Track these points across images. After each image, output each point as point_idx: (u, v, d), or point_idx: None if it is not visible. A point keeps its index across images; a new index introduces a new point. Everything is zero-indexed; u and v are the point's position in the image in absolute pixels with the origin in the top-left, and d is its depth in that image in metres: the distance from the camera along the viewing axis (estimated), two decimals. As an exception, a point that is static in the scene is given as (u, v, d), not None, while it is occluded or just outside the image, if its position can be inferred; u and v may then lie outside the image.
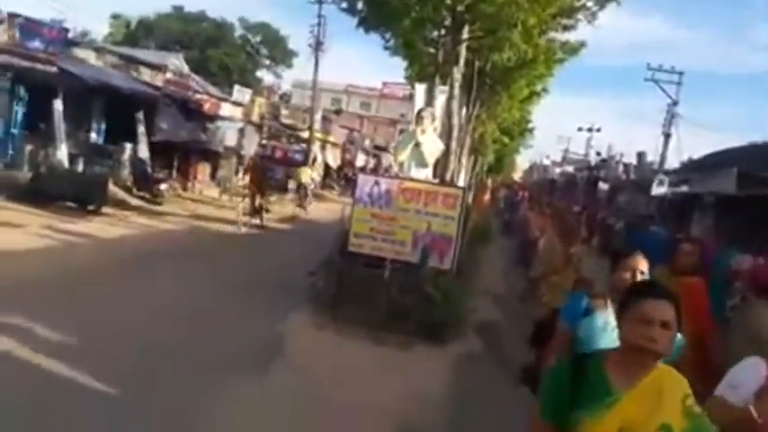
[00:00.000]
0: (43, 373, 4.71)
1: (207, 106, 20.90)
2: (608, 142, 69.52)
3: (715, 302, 5.86)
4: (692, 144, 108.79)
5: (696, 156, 30.27)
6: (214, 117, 21.34)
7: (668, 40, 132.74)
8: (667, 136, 29.90)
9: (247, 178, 14.85)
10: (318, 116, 32.78)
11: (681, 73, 30.05)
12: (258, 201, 14.76)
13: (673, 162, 30.95)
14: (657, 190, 26.67)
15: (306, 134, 31.00)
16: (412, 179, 7.79)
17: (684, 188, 25.00)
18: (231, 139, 22.37)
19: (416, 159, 8.10)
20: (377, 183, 7.62)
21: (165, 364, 5.28)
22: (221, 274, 9.25)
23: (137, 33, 45.35)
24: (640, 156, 37.04)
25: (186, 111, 19.53)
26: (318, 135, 32.18)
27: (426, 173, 8.26)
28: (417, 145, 8.02)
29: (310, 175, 21.68)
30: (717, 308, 6.38)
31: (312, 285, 8.12)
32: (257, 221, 14.84)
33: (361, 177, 7.88)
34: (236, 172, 23.74)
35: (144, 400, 4.49)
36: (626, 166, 41.29)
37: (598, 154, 47.42)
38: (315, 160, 31.13)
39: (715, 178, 21.55)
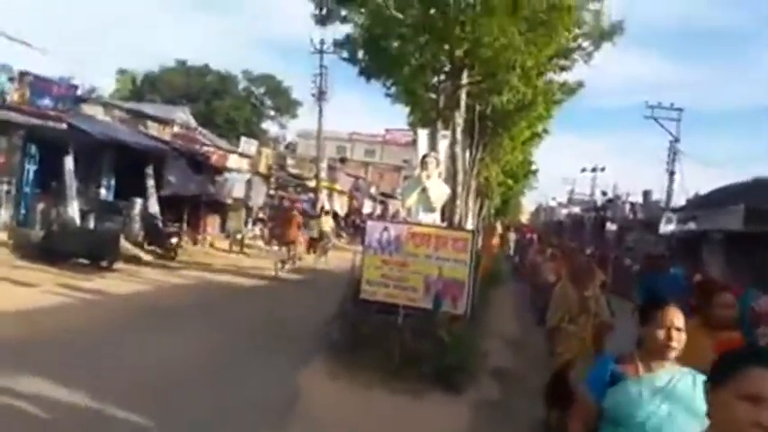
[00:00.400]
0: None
1: (214, 159, 21.23)
2: (613, 182, 69.60)
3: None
4: (696, 180, 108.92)
5: (702, 192, 30.33)
6: (222, 169, 21.65)
7: (666, 78, 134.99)
8: (671, 173, 30.03)
9: (266, 230, 15.61)
10: (324, 165, 33.20)
11: (680, 110, 30.49)
12: (292, 251, 15.26)
13: (679, 199, 30.96)
14: (665, 228, 26.62)
15: (312, 183, 31.34)
16: (420, 224, 7.84)
17: (692, 225, 24.93)
18: (239, 191, 22.62)
19: (423, 204, 8.16)
20: (386, 229, 7.66)
21: (178, 420, 5.23)
22: (236, 326, 9.23)
23: (142, 88, 46.36)
24: (646, 194, 37.12)
25: (194, 164, 19.84)
26: (325, 183, 32.52)
27: (434, 217, 8.30)
28: (424, 190, 8.09)
29: (330, 224, 21.76)
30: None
31: (327, 335, 8.09)
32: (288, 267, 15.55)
33: (370, 224, 7.93)
34: (246, 223, 23.97)
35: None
36: (632, 205, 41.30)
37: (604, 194, 47.47)
38: (323, 209, 31.41)
39: (722, 215, 21.54)
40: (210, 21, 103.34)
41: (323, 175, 31.96)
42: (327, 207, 32.53)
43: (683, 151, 30.13)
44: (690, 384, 2.31)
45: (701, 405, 1.64)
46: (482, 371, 7.55)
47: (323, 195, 31.55)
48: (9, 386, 5.37)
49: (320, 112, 31.19)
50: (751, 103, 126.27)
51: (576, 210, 56.28)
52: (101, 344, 7.28)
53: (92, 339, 7.41)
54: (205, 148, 21.75)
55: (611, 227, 39.16)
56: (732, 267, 18.60)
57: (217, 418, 5.36)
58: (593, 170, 51.80)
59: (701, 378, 1.95)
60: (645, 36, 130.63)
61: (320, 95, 31.01)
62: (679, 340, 2.41)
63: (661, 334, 2.42)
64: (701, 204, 26.77)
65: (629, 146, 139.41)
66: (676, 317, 2.46)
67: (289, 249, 16.16)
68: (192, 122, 27.74)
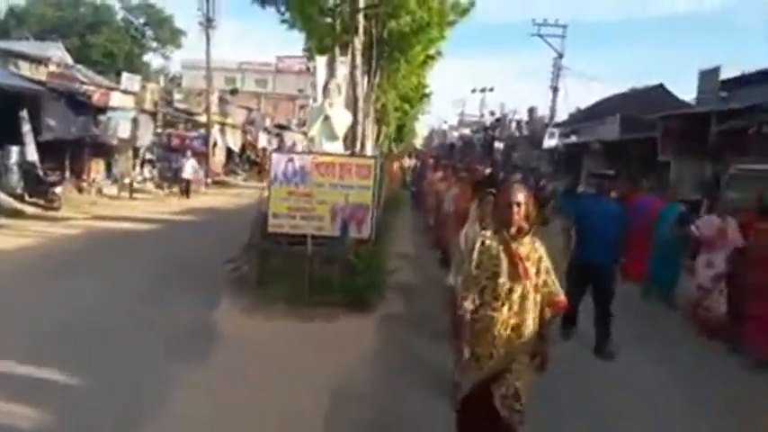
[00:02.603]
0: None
1: (96, 98, 19.66)
2: (501, 101, 72.11)
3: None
4: (580, 96, 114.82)
5: (583, 106, 32.21)
6: (104, 109, 20.15)
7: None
8: (555, 89, 31.53)
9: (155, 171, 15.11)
10: (215, 98, 31.68)
11: (564, 26, 31.63)
12: None
13: (563, 114, 32.67)
14: (549, 143, 28.26)
15: (203, 118, 29.93)
16: (325, 153, 7.89)
17: (574, 138, 26.66)
18: (125, 131, 21.21)
19: (327, 133, 8.19)
20: (291, 160, 7.65)
21: (103, 352, 5.33)
22: (137, 270, 9.01)
23: (7, 23, 41.64)
24: (531, 111, 38.88)
25: (74, 105, 18.30)
26: (216, 118, 31.14)
27: (337, 146, 8.37)
28: (327, 118, 8.10)
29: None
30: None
31: (234, 271, 8.11)
32: None
33: (275, 156, 7.87)
34: (134, 166, 22.73)
35: (94, 386, 4.58)
36: (518, 123, 43.24)
37: (492, 114, 49.23)
38: (215, 145, 30.26)
39: (600, 126, 23.17)
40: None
41: (214, 108, 30.56)
42: (220, 143, 31.51)
43: (569, 67, 31.61)
44: None
45: None
46: (388, 287, 7.94)
47: (215, 130, 30.33)
48: None
49: (208, 40, 29.29)
50: (624, 17, 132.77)
51: (467, 131, 58.14)
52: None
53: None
54: (85, 87, 20.05)
55: (498, 146, 41.00)
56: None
57: (132, 359, 5.36)
58: (483, 90, 53.30)
59: None
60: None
61: (207, 23, 29.11)
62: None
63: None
64: (583, 118, 28.56)
65: (517, 64, 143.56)
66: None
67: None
68: (69, 59, 25.37)
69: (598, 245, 6.44)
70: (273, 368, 5.37)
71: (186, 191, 21.51)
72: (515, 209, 3.27)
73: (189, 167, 21.86)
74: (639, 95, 25.11)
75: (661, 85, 25.53)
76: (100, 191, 19.40)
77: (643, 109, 19.58)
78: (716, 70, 17.21)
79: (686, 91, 23.47)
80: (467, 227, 5.20)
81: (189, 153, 23.18)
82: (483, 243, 3.34)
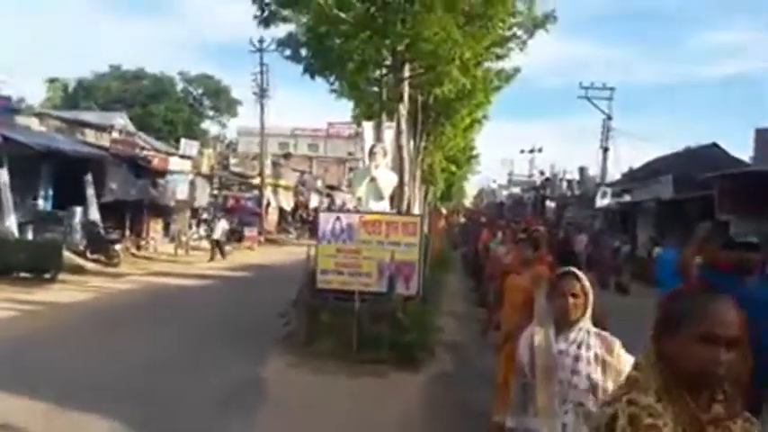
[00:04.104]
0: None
1: (156, 162, 20.90)
2: (550, 161, 71.94)
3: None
4: (629, 156, 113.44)
5: (635, 166, 31.84)
6: (164, 172, 21.33)
7: (597, 58, 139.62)
8: (605, 150, 31.31)
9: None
10: (268, 161, 32.99)
11: (612, 89, 31.72)
12: None
13: (614, 174, 32.31)
14: (601, 202, 27.90)
15: (257, 180, 31.09)
16: (371, 212, 8.11)
17: (627, 197, 26.28)
18: (182, 193, 22.32)
19: (373, 194, 8.44)
20: (338, 219, 7.91)
21: (152, 412, 5.35)
22: (192, 325, 9.28)
23: (76, 96, 44.70)
24: (582, 171, 38.56)
25: (135, 168, 19.50)
26: (269, 180, 32.34)
27: (384, 205, 8.59)
28: (373, 180, 8.37)
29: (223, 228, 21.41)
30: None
31: (284, 326, 8.27)
32: None
33: (322, 215, 8.16)
34: (190, 225, 23.66)
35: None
36: (569, 182, 42.90)
37: (542, 173, 48.98)
38: (269, 205, 31.24)
39: (653, 185, 22.81)
40: (146, 25, 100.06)
41: (267, 171, 31.78)
42: (273, 203, 32.46)
43: (616, 128, 31.46)
44: None
45: None
46: (437, 345, 7.92)
47: (268, 192, 31.40)
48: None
49: (262, 108, 30.98)
50: (673, 79, 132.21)
51: (516, 190, 57.89)
52: (58, 348, 7.27)
53: (47, 344, 7.38)
54: (145, 152, 21.35)
55: (550, 204, 40.66)
56: (663, 232, 19.85)
57: (186, 413, 5.48)
58: (531, 151, 53.34)
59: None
60: (577, 19, 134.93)
61: (261, 92, 30.78)
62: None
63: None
64: (635, 177, 28.19)
65: (565, 126, 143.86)
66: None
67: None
68: (131, 127, 27.08)
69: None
70: (319, 426, 5.40)
71: (220, 251, 20.50)
72: None
73: (219, 229, 20.99)
74: (693, 154, 24.70)
75: (715, 144, 25.08)
76: (156, 249, 20.19)
77: (697, 167, 19.22)
78: (772, 128, 16.88)
79: (741, 149, 22.98)
80: (531, 329, 3.00)
81: (219, 214, 22.91)
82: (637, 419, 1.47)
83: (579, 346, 2.73)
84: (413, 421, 5.57)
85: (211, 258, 19.84)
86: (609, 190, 28.33)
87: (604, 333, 2.81)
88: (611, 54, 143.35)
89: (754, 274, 4.13)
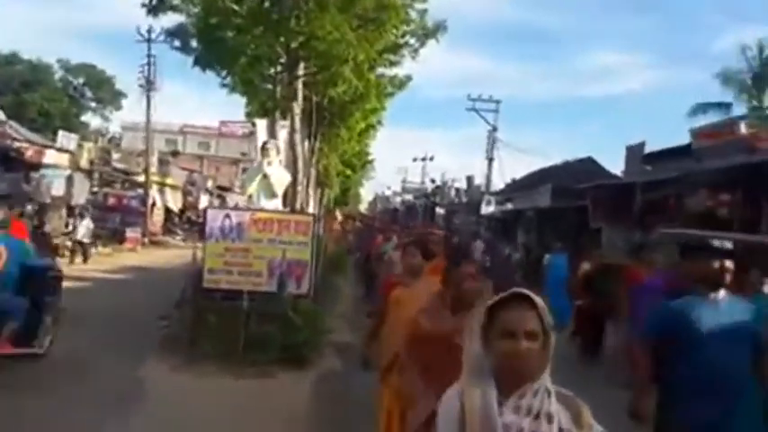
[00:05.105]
0: None
1: (29, 154, 19.26)
2: (441, 170, 74.42)
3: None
4: (513, 166, 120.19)
5: (517, 176, 33.70)
6: (38, 165, 19.70)
7: (485, 72, 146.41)
8: (491, 160, 32.87)
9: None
10: (154, 159, 31.38)
11: (498, 101, 33.34)
12: None
13: (498, 183, 34.00)
14: (486, 209, 29.29)
15: (141, 178, 29.52)
16: (263, 210, 7.99)
17: (509, 206, 27.78)
18: (58, 189, 20.70)
19: (265, 191, 8.32)
20: (228, 216, 7.71)
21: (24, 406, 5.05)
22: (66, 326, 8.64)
23: (-66, 80, 40.43)
24: (469, 179, 40.25)
25: (5, 161, 17.86)
26: (155, 178, 30.78)
27: (276, 203, 8.49)
28: (265, 176, 8.25)
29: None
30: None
31: (165, 328, 7.92)
32: None
33: (210, 212, 7.92)
34: (66, 225, 21.99)
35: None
36: (458, 190, 44.74)
37: (433, 181, 50.62)
38: (154, 205, 29.75)
39: (533, 195, 24.25)
40: (22, 4, 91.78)
41: (153, 169, 30.23)
42: (159, 203, 30.98)
43: (502, 140, 33.06)
44: None
45: None
46: (327, 346, 7.93)
47: (153, 191, 29.90)
48: None
49: (148, 102, 29.37)
50: (556, 97, 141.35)
51: (409, 197, 59.43)
52: None
53: None
54: (17, 144, 19.62)
55: (440, 211, 42.20)
56: (541, 238, 21.17)
57: (60, 418, 5.12)
58: (423, 159, 54.89)
59: None
60: (467, 34, 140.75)
61: (148, 84, 29.23)
62: None
63: None
64: (517, 187, 29.84)
65: (455, 136, 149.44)
66: None
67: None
68: (1, 115, 24.80)
69: (721, 391, 3.16)
70: (200, 427, 5.23)
71: (83, 253, 18.20)
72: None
73: (82, 228, 18.49)
74: (570, 167, 26.46)
75: (590, 158, 27.05)
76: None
77: (574, 179, 20.65)
78: (641, 145, 18.49)
79: (614, 164, 24.99)
80: (458, 388, 1.99)
81: (85, 213, 19.76)
82: None
83: (537, 417, 1.75)
84: (298, 416, 5.55)
85: (71, 261, 17.21)
86: (493, 198, 29.82)
87: (567, 393, 1.84)
88: (500, 69, 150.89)
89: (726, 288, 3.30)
